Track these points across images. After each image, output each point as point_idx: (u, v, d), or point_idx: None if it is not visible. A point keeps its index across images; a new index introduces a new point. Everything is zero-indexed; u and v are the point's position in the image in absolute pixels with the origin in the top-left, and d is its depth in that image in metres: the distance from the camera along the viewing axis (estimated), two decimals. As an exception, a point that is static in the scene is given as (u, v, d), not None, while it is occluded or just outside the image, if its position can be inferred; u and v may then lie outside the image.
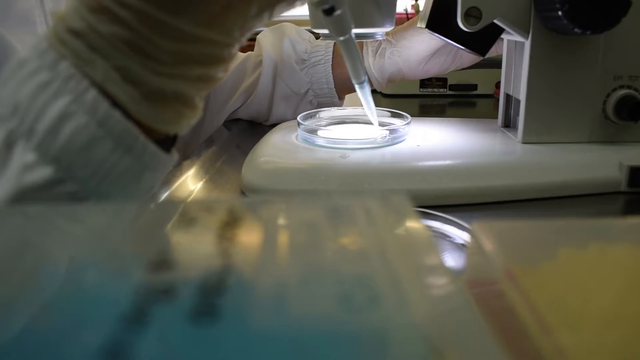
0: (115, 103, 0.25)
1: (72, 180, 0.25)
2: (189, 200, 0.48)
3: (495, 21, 0.49)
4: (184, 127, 0.28)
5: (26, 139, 0.24)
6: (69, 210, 0.20)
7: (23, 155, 0.24)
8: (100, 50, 0.25)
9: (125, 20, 0.25)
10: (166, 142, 0.28)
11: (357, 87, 0.50)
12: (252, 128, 0.75)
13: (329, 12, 0.37)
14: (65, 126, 0.24)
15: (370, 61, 0.68)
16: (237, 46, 0.28)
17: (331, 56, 0.71)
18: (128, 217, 0.18)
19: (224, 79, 0.29)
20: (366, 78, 0.49)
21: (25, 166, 0.24)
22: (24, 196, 0.24)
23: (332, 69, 0.71)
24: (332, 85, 0.71)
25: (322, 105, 0.72)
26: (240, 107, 0.74)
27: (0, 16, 0.44)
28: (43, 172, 0.24)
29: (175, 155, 0.29)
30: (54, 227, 0.18)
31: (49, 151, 0.24)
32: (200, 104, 0.29)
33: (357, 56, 0.46)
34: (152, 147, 0.27)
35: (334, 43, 0.71)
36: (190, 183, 0.52)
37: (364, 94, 0.51)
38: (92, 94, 0.25)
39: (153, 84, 0.26)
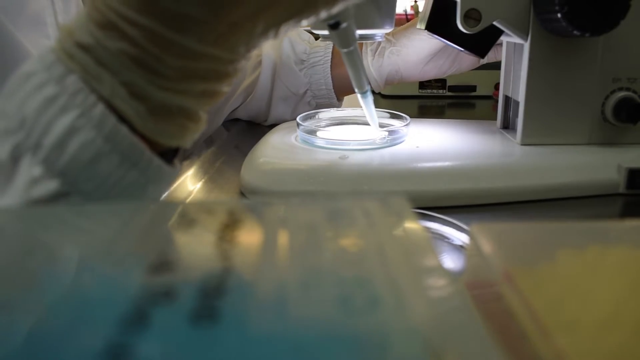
0: (122, 118, 0.25)
1: (77, 194, 0.25)
2: (188, 200, 0.48)
3: (494, 23, 0.49)
4: (188, 140, 0.29)
5: (32, 153, 0.24)
6: (69, 212, 0.20)
7: (30, 169, 0.24)
8: (108, 65, 0.25)
9: (132, 37, 0.25)
10: (169, 154, 0.28)
11: (359, 95, 0.50)
12: (251, 128, 0.75)
13: (334, 26, 0.38)
14: (72, 141, 0.24)
15: (369, 60, 0.68)
16: (242, 62, 0.28)
17: (330, 57, 0.71)
18: (128, 218, 0.18)
19: (228, 92, 0.29)
20: (369, 87, 0.49)
21: (32, 180, 0.24)
22: None
23: (331, 69, 0.71)
24: (331, 87, 0.71)
25: (320, 106, 0.72)
26: (239, 106, 0.74)
27: (13, 17, 0.44)
28: (49, 186, 0.24)
29: (178, 166, 0.29)
30: (54, 229, 0.18)
31: (55, 165, 0.24)
32: (204, 117, 0.29)
33: (361, 67, 0.46)
34: (157, 161, 0.27)
35: (334, 44, 0.71)
36: (190, 183, 0.52)
37: (366, 103, 0.51)
38: (99, 109, 0.25)
39: (158, 99, 0.26)
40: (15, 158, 0.25)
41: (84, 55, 0.25)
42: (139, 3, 0.24)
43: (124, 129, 0.25)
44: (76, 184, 0.25)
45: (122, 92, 0.25)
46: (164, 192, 0.28)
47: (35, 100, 0.25)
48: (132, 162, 0.26)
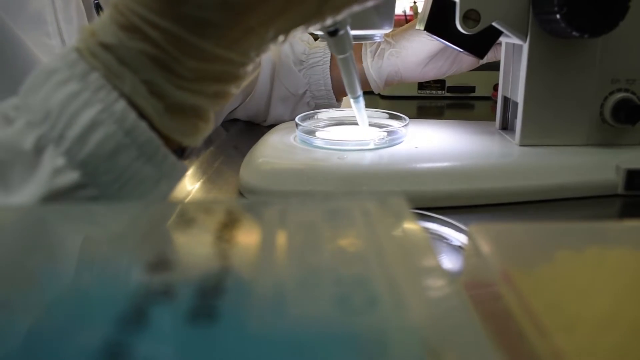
0: (140, 114, 0.27)
1: (94, 186, 0.26)
2: (186, 200, 0.48)
3: (493, 24, 0.49)
4: (198, 139, 0.30)
5: (56, 144, 0.25)
6: (69, 212, 0.20)
7: (53, 159, 0.25)
8: (129, 64, 0.26)
9: (153, 39, 0.26)
10: (176, 153, 0.30)
11: (352, 101, 0.51)
12: (249, 129, 0.75)
13: (333, 33, 0.39)
14: (94, 134, 0.26)
15: (368, 62, 0.69)
16: (251, 65, 0.30)
17: (329, 58, 0.71)
18: (127, 218, 0.18)
19: (236, 94, 0.30)
20: (361, 93, 0.50)
21: (54, 170, 0.25)
22: (52, 199, 0.25)
23: (330, 70, 0.71)
24: (330, 87, 0.71)
25: (319, 106, 0.72)
26: (238, 106, 0.74)
27: (14, 16, 0.45)
28: (70, 177, 0.25)
29: (185, 165, 0.31)
30: (53, 229, 0.18)
31: (77, 157, 0.25)
32: (213, 118, 0.30)
33: (355, 72, 0.47)
34: (172, 157, 0.28)
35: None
36: (188, 183, 0.52)
37: (358, 108, 0.52)
38: (121, 104, 0.26)
39: (175, 98, 0.27)
40: (39, 149, 0.26)
41: (107, 55, 0.26)
42: (161, 7, 0.26)
43: (143, 125, 0.26)
44: (95, 176, 0.26)
45: (142, 90, 0.27)
46: (173, 189, 0.30)
47: (60, 95, 0.26)
48: (148, 156, 0.27)
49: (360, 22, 0.46)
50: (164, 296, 0.12)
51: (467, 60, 0.67)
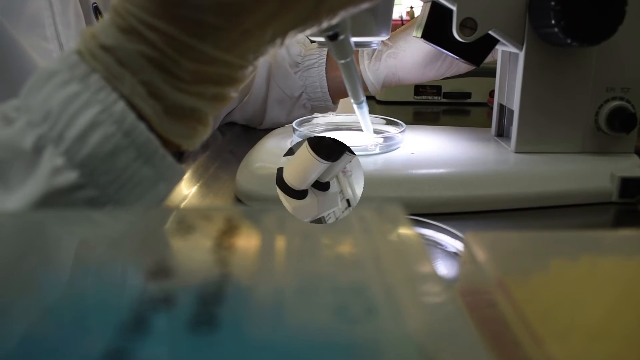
0: (140, 116, 0.27)
1: (93, 186, 0.26)
2: (182, 205, 0.47)
3: (490, 32, 0.49)
4: (197, 142, 0.30)
5: (55, 144, 0.26)
6: (69, 217, 0.20)
7: (52, 159, 0.26)
8: (128, 65, 0.27)
9: (152, 41, 0.26)
10: (174, 157, 0.30)
11: (355, 106, 0.51)
12: (246, 133, 0.75)
13: (333, 37, 0.39)
14: (93, 134, 0.26)
15: (365, 64, 0.68)
16: (250, 68, 0.30)
17: (325, 60, 0.71)
18: (127, 224, 0.19)
19: (235, 98, 0.30)
20: (365, 98, 0.50)
21: (53, 170, 0.25)
22: (51, 198, 0.25)
23: (326, 72, 0.71)
24: (326, 90, 0.71)
25: (316, 109, 0.72)
26: (234, 109, 0.74)
27: (11, 19, 0.45)
28: (69, 177, 0.26)
29: (183, 168, 0.31)
30: (53, 234, 0.18)
31: (75, 157, 0.26)
32: (211, 122, 0.31)
33: (357, 78, 0.47)
34: (170, 159, 0.28)
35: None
36: (184, 188, 0.52)
37: (362, 114, 0.52)
38: (120, 105, 0.26)
39: (174, 100, 0.28)
40: (38, 149, 0.26)
41: (107, 56, 0.27)
42: (158, 10, 0.26)
43: (142, 126, 0.27)
44: (94, 176, 0.26)
45: (141, 91, 0.27)
46: (171, 191, 0.30)
47: (60, 96, 0.26)
48: (147, 157, 0.27)
49: (358, 29, 0.46)
50: (164, 304, 0.13)
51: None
